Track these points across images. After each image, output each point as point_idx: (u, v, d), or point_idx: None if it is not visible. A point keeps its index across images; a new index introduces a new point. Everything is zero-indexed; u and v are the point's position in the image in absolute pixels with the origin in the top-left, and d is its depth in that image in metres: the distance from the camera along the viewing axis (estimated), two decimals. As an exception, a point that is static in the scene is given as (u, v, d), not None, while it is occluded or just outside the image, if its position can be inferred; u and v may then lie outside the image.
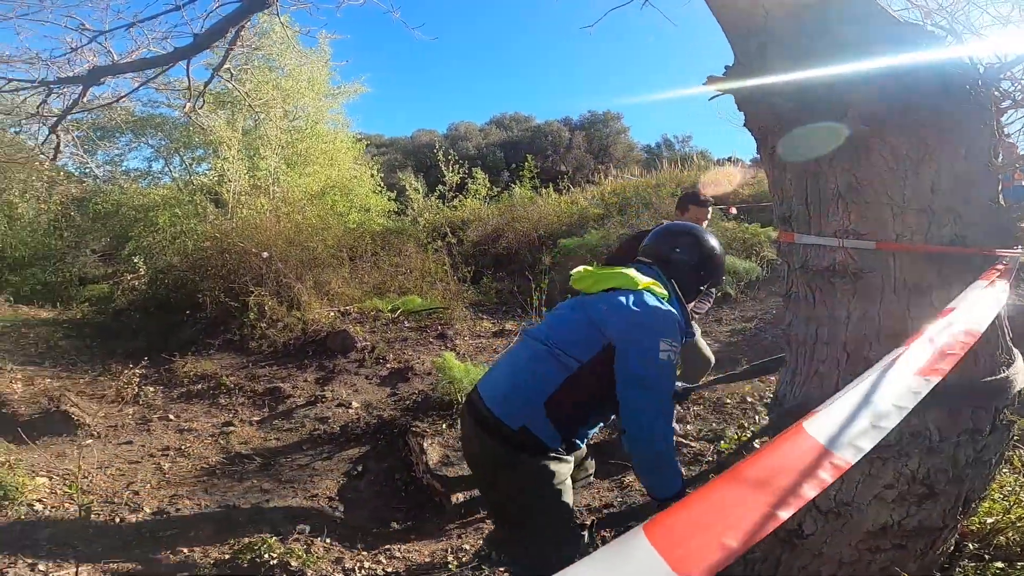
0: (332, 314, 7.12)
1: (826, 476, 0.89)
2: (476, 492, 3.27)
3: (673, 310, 1.87)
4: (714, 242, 2.11)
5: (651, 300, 1.83)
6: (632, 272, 1.93)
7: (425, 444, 3.83)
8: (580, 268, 2.06)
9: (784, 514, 0.81)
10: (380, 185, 18.12)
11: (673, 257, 2.04)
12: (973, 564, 1.91)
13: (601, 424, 1.98)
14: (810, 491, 0.86)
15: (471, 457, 1.99)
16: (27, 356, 6.45)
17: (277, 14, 3.88)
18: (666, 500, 1.71)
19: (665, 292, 1.93)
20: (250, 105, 12.59)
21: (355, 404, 5.05)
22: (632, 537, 0.74)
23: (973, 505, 1.88)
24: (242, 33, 3.91)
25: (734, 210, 9.01)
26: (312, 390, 5.45)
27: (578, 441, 1.89)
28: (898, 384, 1.09)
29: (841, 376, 1.76)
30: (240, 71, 8.87)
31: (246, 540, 2.91)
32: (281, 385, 5.54)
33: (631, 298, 1.82)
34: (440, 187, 14.27)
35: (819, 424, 0.97)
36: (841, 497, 1.73)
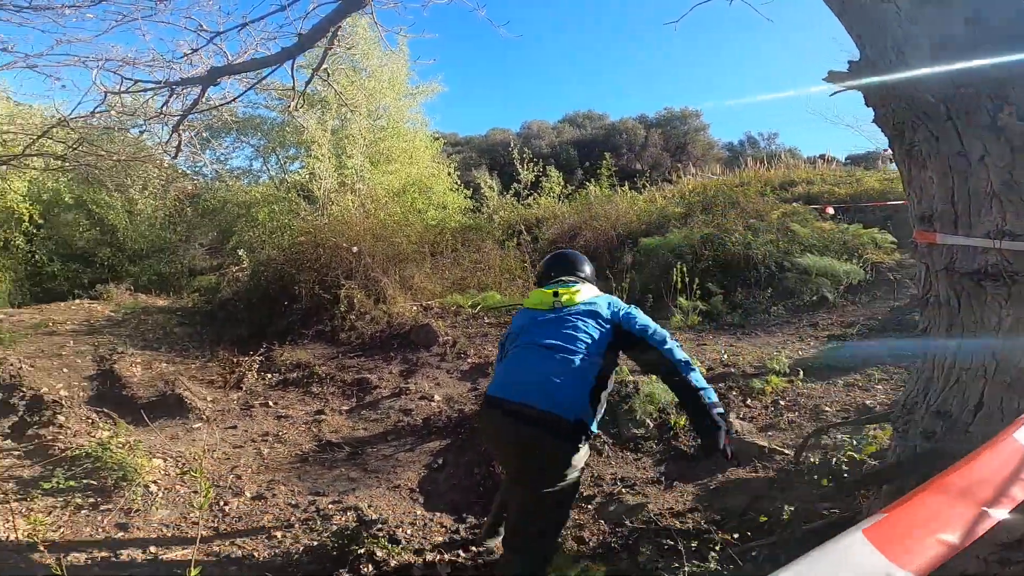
0: (415, 308, 7.14)
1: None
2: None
3: None
4: None
5: (613, 298, 2.45)
6: (589, 286, 2.52)
7: None
8: (536, 291, 2.54)
9: (997, 514, 0.87)
10: (456, 183, 18.31)
11: (588, 275, 2.64)
12: None
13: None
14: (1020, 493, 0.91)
15: (518, 448, 2.15)
16: (146, 341, 6.85)
17: (372, 13, 3.83)
18: (716, 404, 2.08)
19: None
20: (343, 104, 12.97)
21: (437, 397, 5.01)
22: (848, 536, 0.80)
23: None
24: (339, 33, 3.91)
25: (831, 210, 8.30)
26: (397, 382, 5.46)
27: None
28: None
29: (988, 385, 1.64)
30: (333, 70, 9.08)
31: (335, 528, 2.93)
32: (368, 376, 5.58)
33: (609, 299, 2.42)
34: (515, 185, 14.15)
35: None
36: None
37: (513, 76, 70.37)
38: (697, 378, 2.09)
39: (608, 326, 2.25)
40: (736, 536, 2.44)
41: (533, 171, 14.05)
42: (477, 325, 6.79)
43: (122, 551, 2.68)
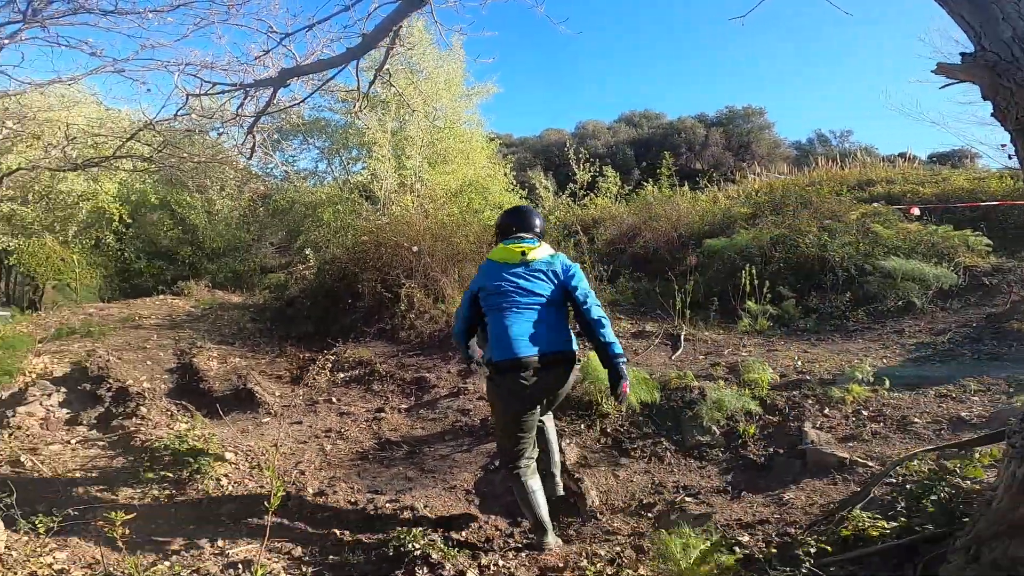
0: (473, 308, 7.06)
1: None
2: (612, 497, 3.33)
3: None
4: None
5: (563, 256, 2.86)
6: (545, 245, 2.86)
7: (563, 443, 3.59)
8: (502, 246, 2.85)
9: None
10: (512, 183, 18.25)
11: (541, 228, 2.96)
12: None
13: None
14: None
15: (549, 389, 2.72)
16: (222, 336, 7.11)
17: (432, 11, 3.77)
18: (621, 355, 2.61)
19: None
20: (402, 105, 13.15)
21: None
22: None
23: None
24: (400, 33, 3.87)
25: (916, 210, 7.63)
26: (455, 382, 5.39)
27: None
28: None
29: None
30: (392, 72, 9.18)
31: (392, 529, 2.89)
32: (427, 375, 5.55)
33: (561, 257, 2.82)
34: (570, 185, 13.94)
35: None
36: None
37: (567, 76, 69.80)
38: (607, 333, 2.63)
39: (558, 282, 2.75)
40: (814, 551, 2.20)
41: (589, 171, 13.80)
42: (534, 325, 6.63)
43: (192, 547, 2.71)
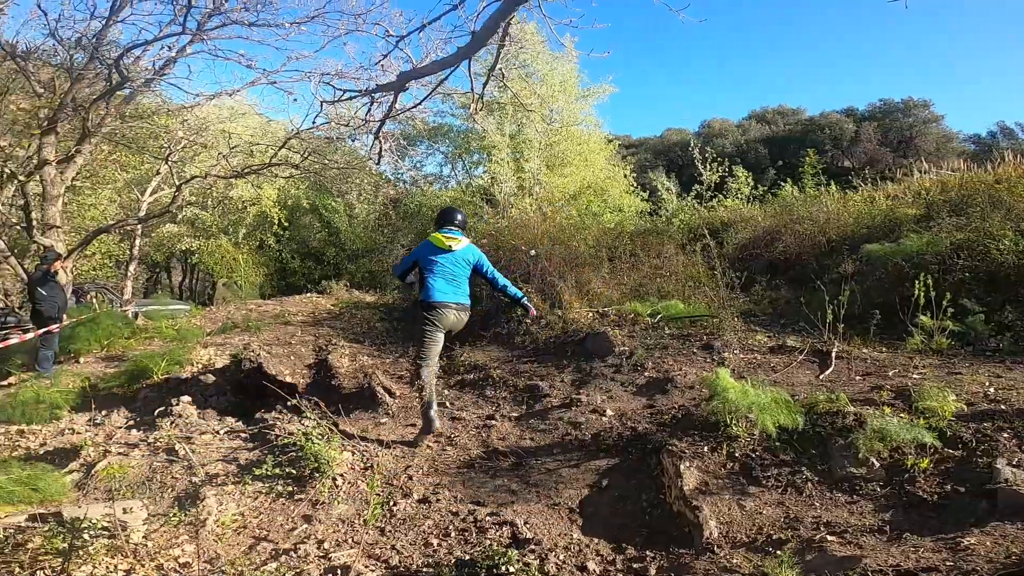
0: (591, 315, 6.71)
1: None
2: (735, 529, 2.98)
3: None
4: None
5: (474, 247, 4.54)
6: (464, 238, 4.43)
7: (682, 467, 3.29)
8: (438, 234, 4.37)
9: None
10: (633, 185, 17.52)
11: (463, 223, 4.57)
12: None
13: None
14: None
15: (452, 324, 4.34)
16: (354, 335, 7.48)
17: (540, 6, 3.50)
18: (520, 294, 4.61)
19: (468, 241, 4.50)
20: (519, 107, 13.15)
21: (609, 412, 4.58)
22: None
23: None
24: (509, 31, 3.68)
25: None
26: (568, 392, 5.13)
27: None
28: None
29: None
30: (507, 70, 9.13)
31: (488, 543, 2.81)
32: (540, 383, 5.33)
33: (473, 248, 4.48)
34: (696, 187, 13.01)
35: None
36: None
37: (689, 71, 66.35)
38: (507, 285, 4.53)
39: (471, 267, 4.42)
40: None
41: (717, 172, 12.76)
42: (656, 336, 6.12)
43: (302, 545, 2.73)
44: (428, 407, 4.10)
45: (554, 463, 3.88)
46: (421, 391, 4.18)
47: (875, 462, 3.14)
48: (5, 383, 6.05)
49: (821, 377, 4.58)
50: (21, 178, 9.10)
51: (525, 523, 3.04)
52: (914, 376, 4.35)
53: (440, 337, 4.29)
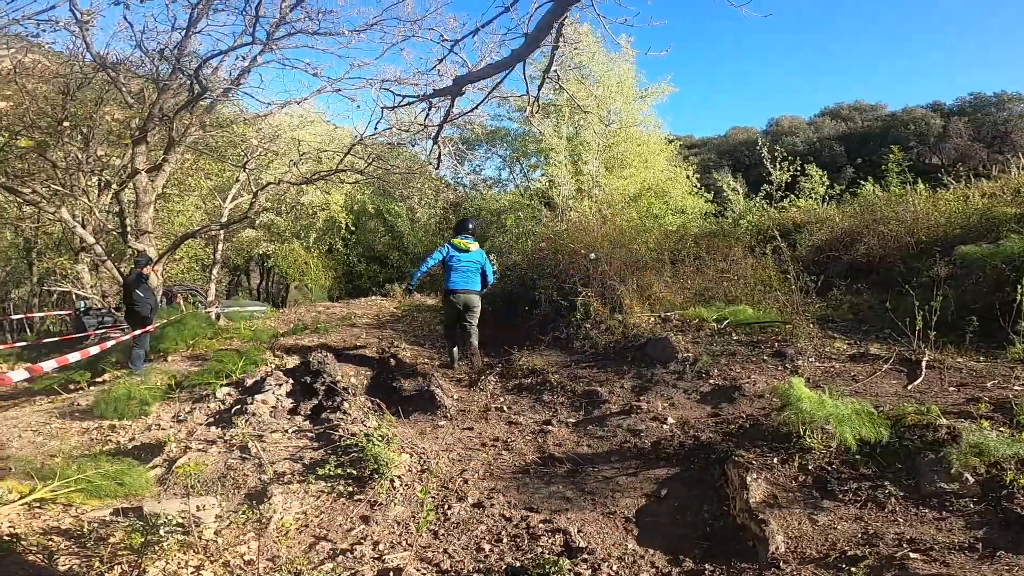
0: (652, 319, 6.48)
1: None
2: (804, 544, 2.82)
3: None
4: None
5: (482, 251, 6.47)
6: (475, 243, 6.28)
7: (748, 478, 3.14)
8: (458, 239, 6.21)
9: None
10: (695, 186, 16.90)
11: (474, 231, 6.48)
12: None
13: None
14: None
15: (464, 303, 6.12)
16: (415, 337, 7.60)
17: (593, 5, 3.40)
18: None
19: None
20: (576, 109, 12.97)
21: (670, 420, 4.41)
22: None
23: None
24: (563, 32, 3.60)
25: None
26: (628, 398, 4.98)
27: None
28: None
29: None
30: (562, 72, 9.02)
31: (540, 550, 2.79)
32: (599, 389, 5.21)
33: (482, 252, 6.39)
34: (765, 187, 12.37)
35: None
36: None
37: (752, 70, 63.47)
38: (491, 281, 6.50)
39: (479, 264, 6.15)
40: None
41: (787, 170, 12.08)
42: (723, 342, 5.83)
43: (358, 546, 2.77)
44: (451, 351, 6.39)
45: (611, 471, 3.80)
46: (448, 341, 6.49)
47: (969, 477, 2.95)
48: (100, 380, 6.55)
49: (909, 388, 4.26)
50: (116, 186, 9.83)
51: (579, 531, 2.99)
52: (1016, 388, 4.03)
53: (457, 312, 6.17)
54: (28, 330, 16.42)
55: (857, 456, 3.23)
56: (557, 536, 2.93)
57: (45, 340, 9.54)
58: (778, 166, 12.23)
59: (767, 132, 25.94)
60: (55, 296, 17.50)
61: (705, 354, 5.45)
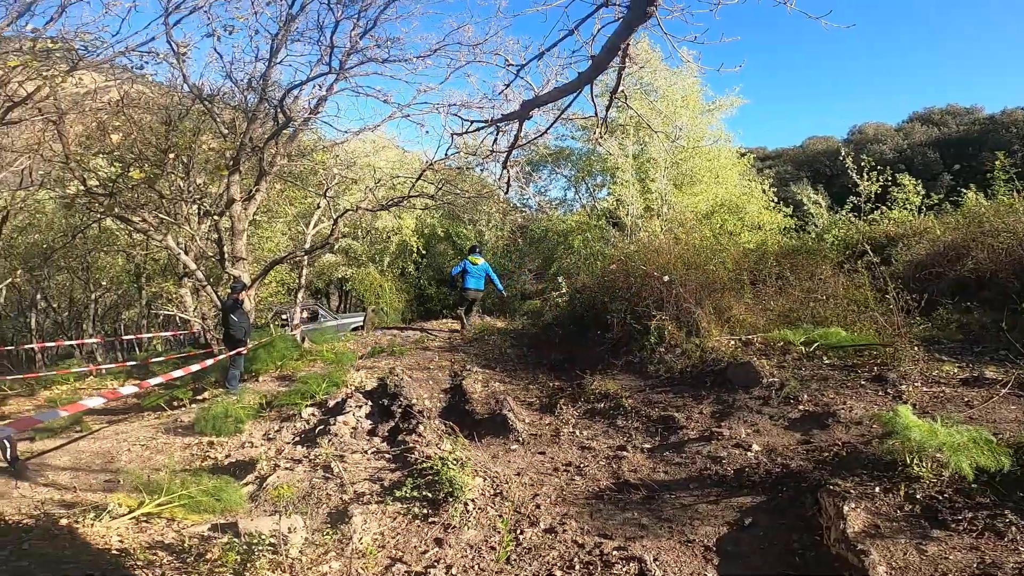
0: (732, 343, 6.13)
1: None
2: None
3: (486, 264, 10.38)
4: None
5: (487, 263, 10.37)
6: (482, 258, 10.13)
7: (846, 507, 2.97)
8: (471, 257, 9.97)
9: None
10: (772, 200, 16.05)
11: (481, 249, 11.75)
12: None
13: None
14: None
15: (473, 297, 10.15)
16: (487, 360, 7.63)
17: (660, 24, 3.31)
18: (501, 289, 10.79)
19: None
20: (643, 126, 12.74)
21: (755, 447, 4.18)
22: None
23: None
24: (629, 52, 3.53)
25: None
26: (707, 424, 4.76)
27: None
28: None
29: None
30: (626, 89, 8.89)
31: None
32: (675, 415, 5.02)
33: (487, 264, 10.23)
34: (851, 199, 11.54)
35: None
36: None
37: (828, 78, 60.06)
38: (499, 285, 10.38)
39: (486, 274, 9.89)
40: None
41: (876, 180, 11.22)
42: (813, 366, 5.42)
43: (432, 569, 2.78)
44: (463, 320, 9.89)
45: (690, 498, 3.64)
46: (464, 316, 9.89)
47: None
48: (200, 398, 7.06)
49: (1032, 414, 3.81)
50: (215, 216, 10.58)
51: (655, 559, 2.86)
52: None
53: (470, 301, 9.83)
54: (137, 348, 18.10)
55: (973, 485, 3.00)
56: (631, 564, 2.83)
57: (153, 360, 10.46)
58: (865, 176, 11.41)
59: (849, 140, 24.38)
60: (160, 318, 19.20)
61: (793, 379, 5.10)
